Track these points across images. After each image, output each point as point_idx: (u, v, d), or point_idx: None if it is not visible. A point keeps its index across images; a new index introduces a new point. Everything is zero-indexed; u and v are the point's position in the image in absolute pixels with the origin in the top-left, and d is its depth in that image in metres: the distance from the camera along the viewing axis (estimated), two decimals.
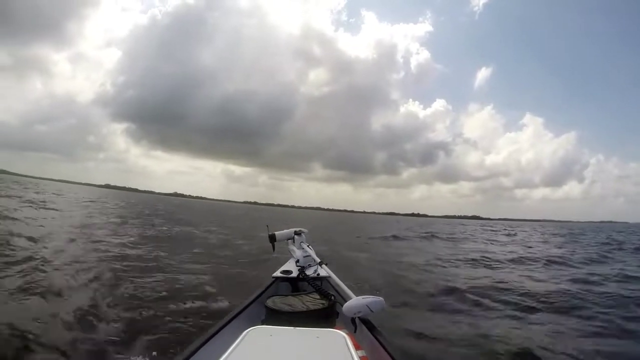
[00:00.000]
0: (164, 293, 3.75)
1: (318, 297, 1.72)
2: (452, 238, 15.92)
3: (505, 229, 28.34)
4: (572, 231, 28.05)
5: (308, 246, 2.62)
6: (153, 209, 23.49)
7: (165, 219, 14.96)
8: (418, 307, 4.12)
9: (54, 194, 25.82)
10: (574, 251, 11.04)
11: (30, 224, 8.05)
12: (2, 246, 5.06)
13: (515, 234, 21.20)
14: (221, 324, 1.49)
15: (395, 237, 14.64)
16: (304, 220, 27.52)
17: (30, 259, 4.51)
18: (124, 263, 5.08)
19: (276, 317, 1.49)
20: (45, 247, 5.47)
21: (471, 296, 4.57)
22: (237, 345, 0.96)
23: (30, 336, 2.40)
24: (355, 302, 1.54)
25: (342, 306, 1.59)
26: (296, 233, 2.72)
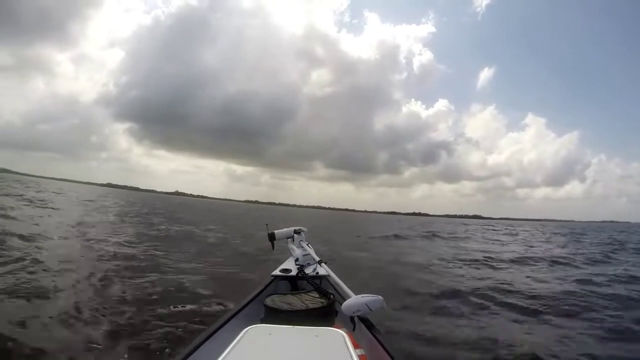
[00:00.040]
0: (155, 297, 3.59)
1: (317, 295, 1.73)
2: (454, 237, 15.81)
3: (506, 229, 28.29)
4: (573, 231, 27.91)
5: (307, 245, 2.62)
6: (152, 207, 23.41)
7: (164, 218, 14.88)
8: (419, 308, 3.99)
9: (54, 192, 25.80)
10: (576, 251, 10.90)
11: (26, 222, 7.96)
12: None
13: (516, 234, 21.10)
14: (220, 322, 1.48)
15: (396, 236, 14.50)
16: (305, 219, 27.47)
17: (21, 259, 4.39)
18: (116, 262, 4.96)
19: (275, 316, 1.50)
20: (36, 247, 5.36)
21: (473, 297, 4.46)
22: (236, 343, 0.96)
23: (10, 343, 2.29)
24: (354, 300, 1.53)
25: (341, 305, 1.59)
26: (296, 232, 2.75)
